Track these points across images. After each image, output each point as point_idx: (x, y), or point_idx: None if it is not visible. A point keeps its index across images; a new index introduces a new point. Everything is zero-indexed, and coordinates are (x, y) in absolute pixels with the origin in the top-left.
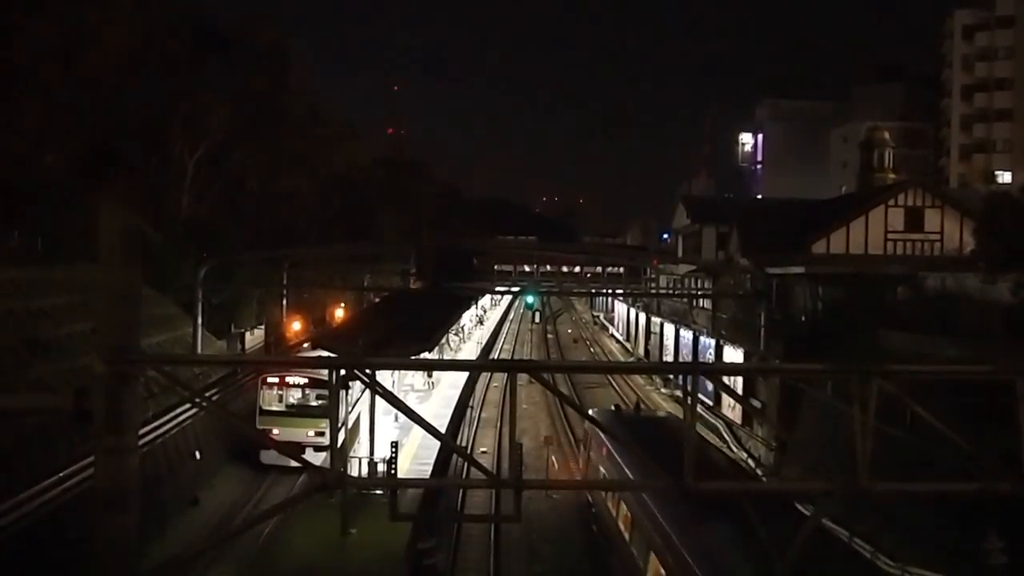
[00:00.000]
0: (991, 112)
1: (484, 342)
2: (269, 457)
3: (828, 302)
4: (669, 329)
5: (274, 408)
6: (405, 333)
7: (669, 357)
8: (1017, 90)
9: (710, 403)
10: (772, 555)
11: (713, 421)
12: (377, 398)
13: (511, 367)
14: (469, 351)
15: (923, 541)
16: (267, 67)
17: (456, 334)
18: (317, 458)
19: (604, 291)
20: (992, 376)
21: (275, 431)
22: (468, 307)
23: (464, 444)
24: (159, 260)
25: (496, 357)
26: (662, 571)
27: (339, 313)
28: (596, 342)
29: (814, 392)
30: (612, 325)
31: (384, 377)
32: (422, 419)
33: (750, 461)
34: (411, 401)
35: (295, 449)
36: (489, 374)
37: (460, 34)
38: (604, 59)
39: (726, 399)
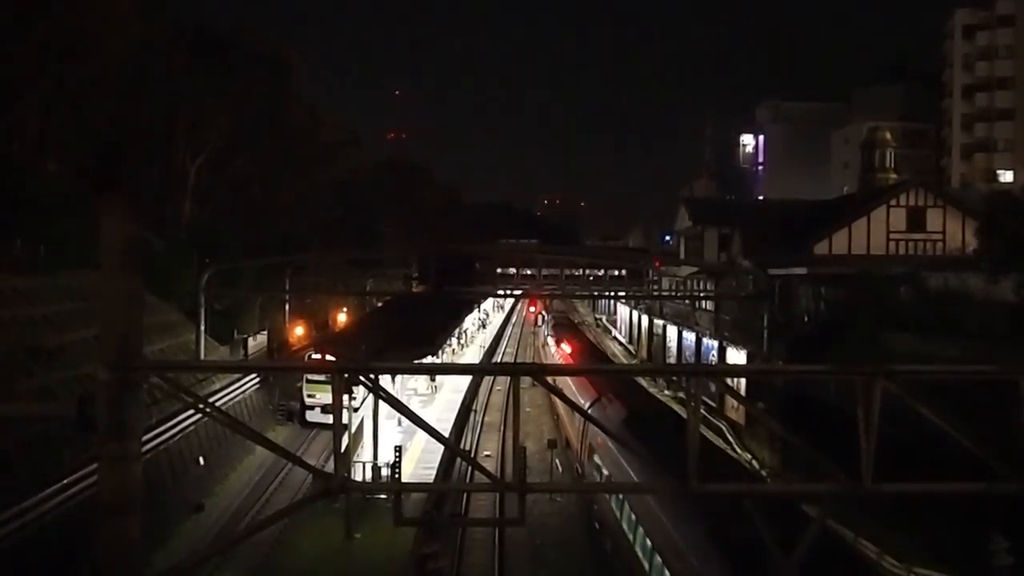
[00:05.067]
0: (992, 111)
1: (487, 346)
2: (313, 416)
3: (831, 303)
4: (672, 331)
5: (315, 378)
6: (408, 337)
7: (672, 359)
8: (1018, 89)
9: (713, 405)
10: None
11: (717, 423)
12: (381, 402)
13: (514, 370)
14: (472, 355)
15: (929, 542)
16: (268, 73)
17: (459, 338)
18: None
19: (607, 294)
20: (996, 376)
21: (318, 395)
22: (471, 311)
23: (468, 448)
24: (162, 267)
25: (499, 360)
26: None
27: (342, 318)
28: (599, 344)
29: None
30: (615, 328)
31: (387, 381)
32: (425, 423)
33: (754, 462)
34: (414, 405)
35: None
36: (492, 378)
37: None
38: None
39: (729, 400)
